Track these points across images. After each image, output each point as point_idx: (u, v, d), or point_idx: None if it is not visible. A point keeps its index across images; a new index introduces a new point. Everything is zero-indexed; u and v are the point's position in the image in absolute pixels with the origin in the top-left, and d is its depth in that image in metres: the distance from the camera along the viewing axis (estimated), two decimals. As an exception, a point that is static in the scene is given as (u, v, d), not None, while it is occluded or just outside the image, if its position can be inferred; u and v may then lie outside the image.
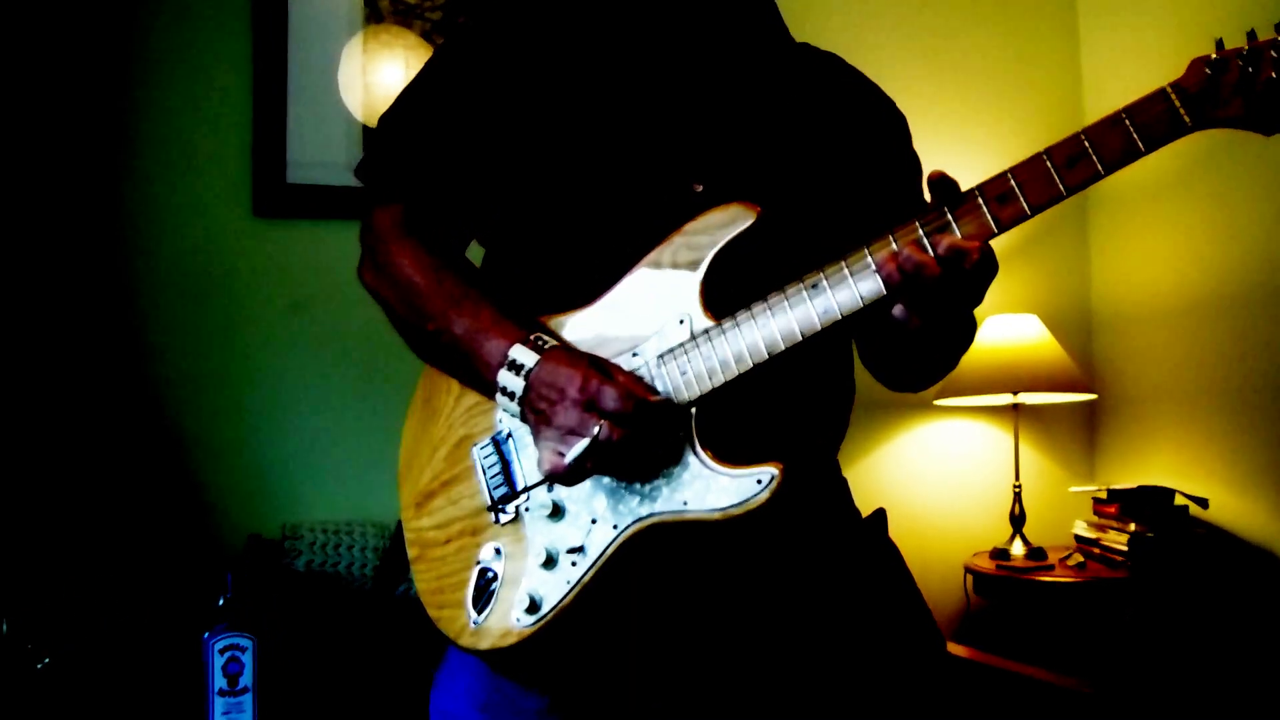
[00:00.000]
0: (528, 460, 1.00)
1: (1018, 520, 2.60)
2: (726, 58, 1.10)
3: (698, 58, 1.09)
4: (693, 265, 0.97)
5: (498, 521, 1.01)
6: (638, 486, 0.94)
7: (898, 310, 0.93)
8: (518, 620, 0.96)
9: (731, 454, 0.94)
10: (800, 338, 0.93)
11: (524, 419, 0.97)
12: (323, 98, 2.50)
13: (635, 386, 0.94)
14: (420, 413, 1.11)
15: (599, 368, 0.94)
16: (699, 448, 0.94)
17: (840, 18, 2.80)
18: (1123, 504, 2.44)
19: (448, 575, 1.02)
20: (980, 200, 0.91)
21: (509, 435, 1.01)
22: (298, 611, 1.85)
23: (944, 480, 2.84)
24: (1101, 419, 2.94)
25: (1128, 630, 2.18)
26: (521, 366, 0.96)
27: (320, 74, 2.50)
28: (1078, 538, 2.60)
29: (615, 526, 0.95)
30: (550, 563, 0.96)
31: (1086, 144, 0.89)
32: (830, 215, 1.06)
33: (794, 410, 1.07)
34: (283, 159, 2.45)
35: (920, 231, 0.91)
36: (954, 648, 2.17)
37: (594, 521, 0.96)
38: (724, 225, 0.97)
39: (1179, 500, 2.42)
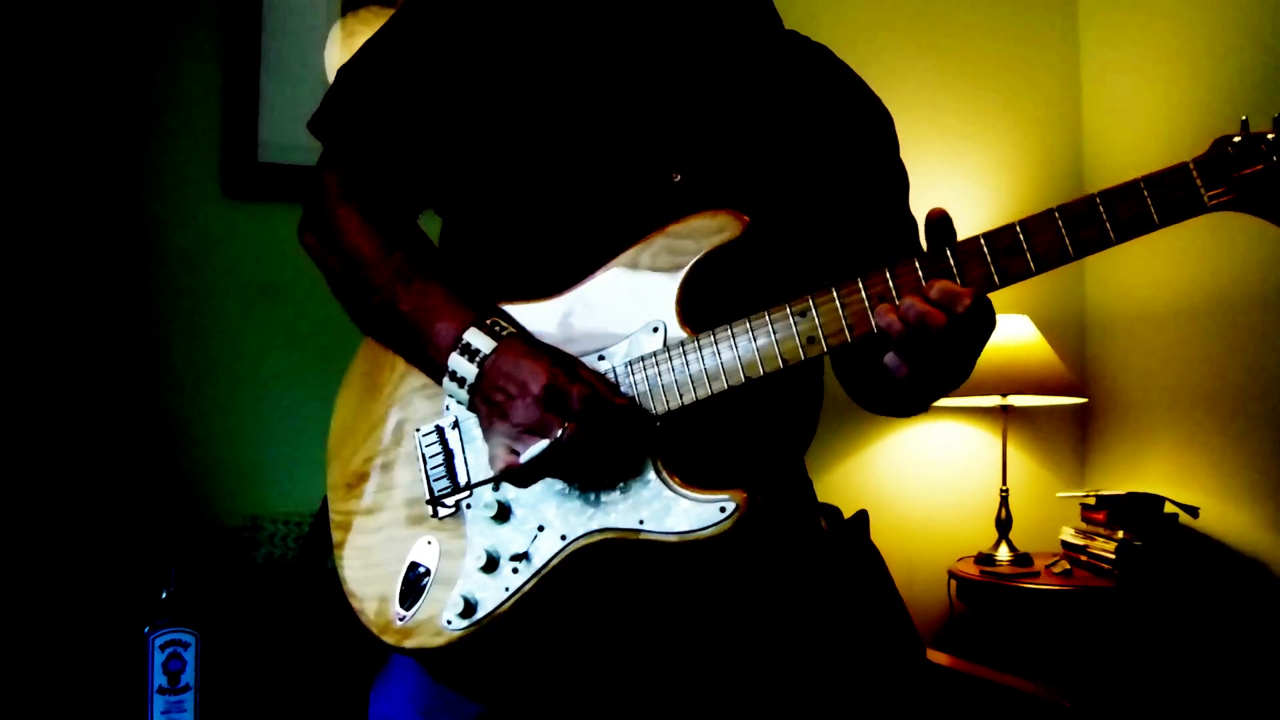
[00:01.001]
0: (474, 453, 0.93)
1: (1003, 525, 2.53)
2: (712, 42, 1.04)
3: (682, 41, 1.03)
4: (672, 270, 0.91)
5: (435, 515, 0.94)
6: (592, 497, 0.89)
7: (889, 358, 0.89)
8: (449, 623, 0.90)
9: (694, 462, 0.89)
10: (782, 365, 0.88)
11: (474, 409, 0.90)
12: (298, 75, 2.42)
13: (602, 387, 0.88)
14: (358, 386, 1.04)
15: (563, 364, 0.88)
16: (661, 466, 0.88)
17: (835, 7, 2.74)
18: (1111, 511, 2.38)
19: (375, 565, 0.96)
20: (986, 251, 0.85)
21: (455, 424, 0.95)
22: (247, 607, 1.77)
23: (929, 482, 2.78)
24: (1092, 424, 2.88)
25: (1114, 641, 2.12)
26: (476, 352, 0.89)
27: (296, 51, 2.42)
28: (1065, 544, 2.54)
29: (564, 537, 0.89)
30: (491, 566, 0.90)
31: (1101, 208, 0.83)
32: (813, 221, 1.01)
33: (762, 419, 1.01)
34: (254, 137, 2.37)
35: (920, 275, 0.85)
36: (934, 655, 2.11)
37: (541, 529, 0.90)
38: (709, 233, 0.91)
39: (1169, 508, 2.36)
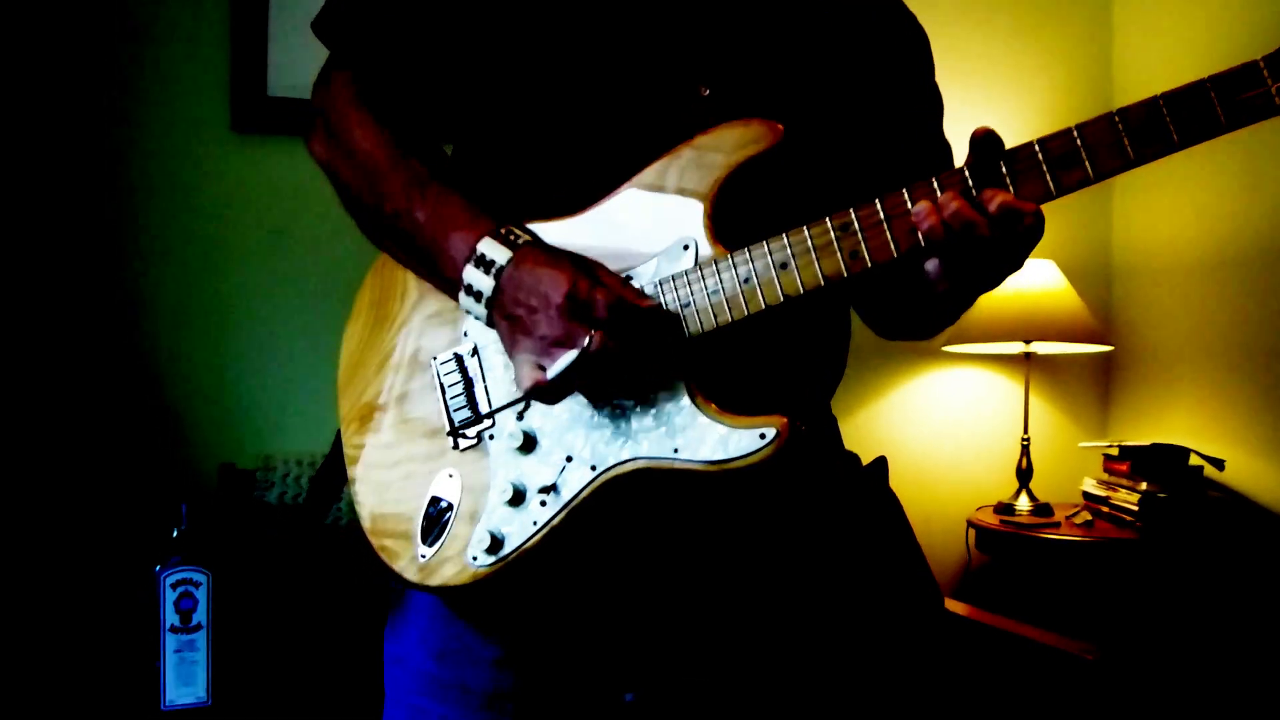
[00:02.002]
0: (495, 381, 0.89)
1: (1024, 475, 2.50)
2: None
3: None
4: (702, 185, 0.86)
5: (456, 448, 0.90)
6: (622, 425, 0.84)
7: (930, 266, 0.83)
8: (474, 559, 0.87)
9: (726, 394, 0.84)
10: (823, 283, 0.82)
11: (493, 324, 0.86)
12: (309, 6, 2.32)
13: (628, 292, 0.83)
14: (367, 316, 0.99)
15: (585, 269, 0.83)
16: (695, 391, 0.83)
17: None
18: (1135, 462, 2.34)
19: (394, 502, 0.92)
20: (1040, 158, 0.79)
21: (475, 350, 0.91)
22: (260, 546, 1.76)
23: (949, 430, 2.74)
24: (1116, 373, 2.82)
25: (1136, 593, 2.09)
26: (492, 263, 0.84)
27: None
28: (1086, 495, 2.51)
29: (594, 468, 0.85)
30: (517, 500, 0.86)
31: (1165, 111, 0.77)
32: (847, 139, 0.96)
33: (792, 354, 0.96)
34: (263, 70, 2.30)
35: (970, 183, 0.80)
36: (952, 604, 2.09)
37: (569, 459, 0.86)
38: (741, 144, 0.85)
39: (1194, 460, 2.31)
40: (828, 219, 0.82)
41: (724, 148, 0.85)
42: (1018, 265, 0.84)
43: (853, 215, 0.82)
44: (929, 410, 2.74)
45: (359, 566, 0.96)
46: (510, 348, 0.84)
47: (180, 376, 2.26)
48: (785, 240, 0.83)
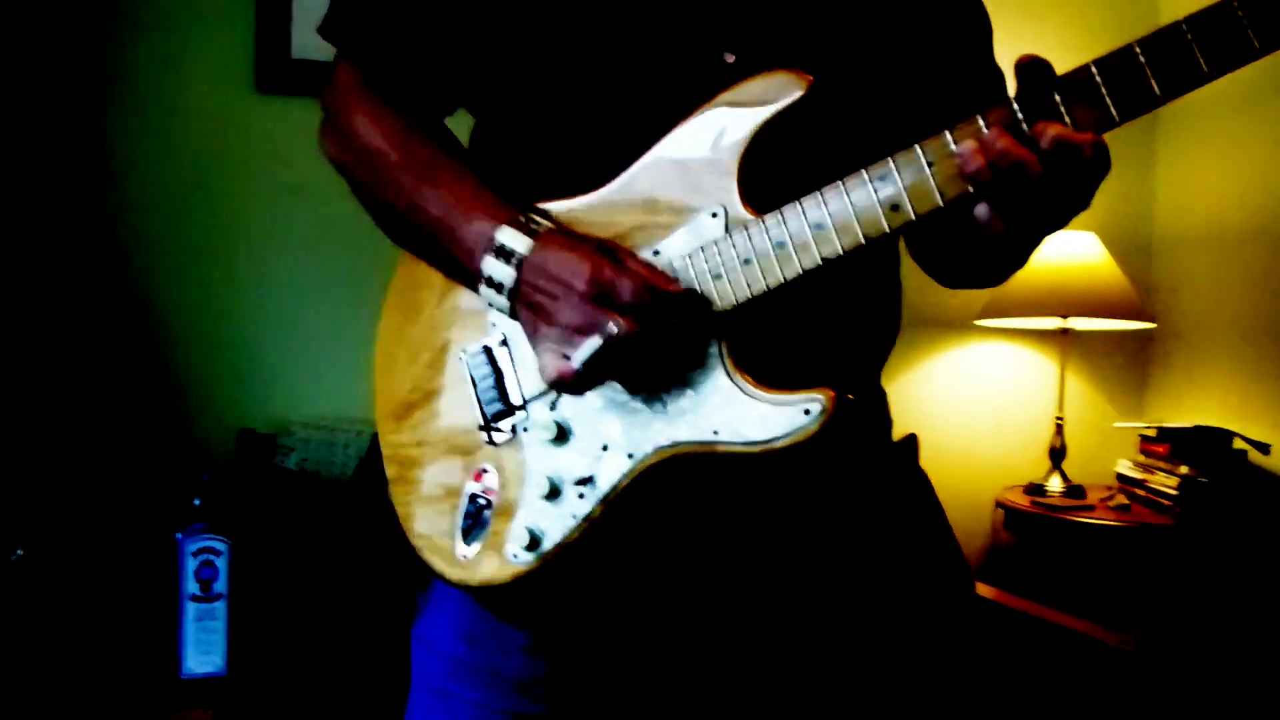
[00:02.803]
0: (525, 371, 0.86)
1: (1057, 455, 2.44)
2: None
3: None
4: (728, 147, 0.80)
5: (491, 442, 0.87)
6: (658, 408, 0.81)
7: (981, 211, 0.76)
8: (514, 556, 0.84)
9: (765, 375, 0.80)
10: (862, 241, 0.77)
11: (516, 316, 0.83)
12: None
13: (653, 275, 0.79)
14: (398, 307, 0.96)
15: (608, 253, 0.80)
16: (732, 367, 0.79)
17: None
18: (1175, 444, 2.28)
19: (433, 500, 0.90)
20: (1099, 80, 0.72)
21: (504, 341, 0.87)
22: (282, 513, 1.73)
23: (979, 407, 2.68)
24: (1155, 351, 2.74)
25: (1173, 581, 2.04)
26: (511, 253, 0.81)
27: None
28: (1120, 477, 2.45)
29: (631, 455, 0.81)
30: (554, 494, 0.83)
31: (1239, 11, 0.69)
32: (883, 89, 0.90)
33: (837, 319, 0.92)
34: (287, 31, 2.27)
35: (1019, 117, 0.73)
36: (980, 588, 2.04)
37: (605, 448, 0.82)
38: (767, 98, 0.79)
39: (1237, 444, 2.24)
40: (864, 171, 0.76)
41: (749, 104, 0.79)
42: (1084, 203, 0.77)
43: (891, 165, 0.76)
44: (960, 385, 2.68)
45: (390, 548, 0.93)
46: (533, 338, 0.81)
47: (199, 339, 2.24)
48: (820, 198, 0.77)
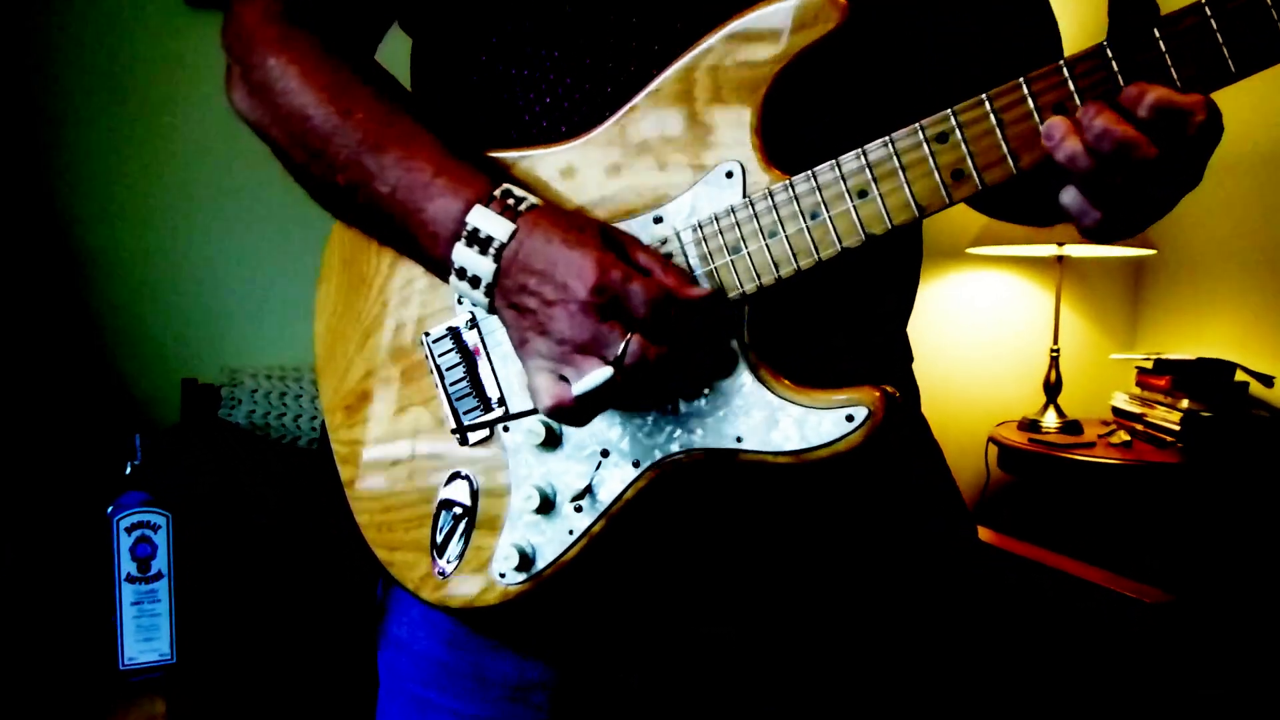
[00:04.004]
0: (503, 359, 0.71)
1: (1052, 389, 2.35)
2: None
3: None
4: (747, 88, 0.65)
5: (466, 442, 0.73)
6: (669, 410, 0.67)
7: (1070, 199, 0.63)
8: (502, 576, 0.72)
9: (788, 361, 0.66)
10: (917, 215, 0.62)
11: (494, 312, 0.67)
12: None
13: (671, 277, 0.64)
14: (340, 277, 0.80)
15: (616, 249, 0.64)
16: (756, 362, 0.66)
17: None
18: (1176, 377, 2.18)
19: (398, 509, 0.76)
20: (1212, 20, 0.57)
21: (473, 322, 0.72)
22: (229, 478, 1.57)
23: (971, 338, 2.57)
24: (1152, 279, 2.64)
25: (1179, 522, 1.95)
26: (488, 240, 0.64)
27: None
28: (1116, 411, 2.36)
29: (636, 464, 0.68)
30: (546, 507, 0.70)
31: None
32: (937, 43, 0.75)
33: (873, 290, 0.78)
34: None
35: (1115, 68, 0.58)
36: (979, 531, 1.95)
37: (605, 454, 0.68)
38: (794, 25, 0.63)
39: (1239, 376, 2.15)
40: (918, 126, 0.62)
41: (773, 34, 0.63)
42: (1196, 179, 0.64)
43: (952, 120, 0.61)
44: (951, 316, 2.57)
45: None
46: (520, 347, 0.66)
47: (136, 283, 2.08)
48: (863, 159, 0.62)
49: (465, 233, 0.65)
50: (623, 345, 0.61)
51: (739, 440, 0.65)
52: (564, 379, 0.63)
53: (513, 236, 0.64)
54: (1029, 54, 0.67)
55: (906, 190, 0.62)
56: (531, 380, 0.65)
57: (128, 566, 1.31)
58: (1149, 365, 2.30)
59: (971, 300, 2.58)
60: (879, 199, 0.62)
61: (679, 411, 0.66)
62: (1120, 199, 0.61)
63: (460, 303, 0.73)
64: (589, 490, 0.68)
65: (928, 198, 0.62)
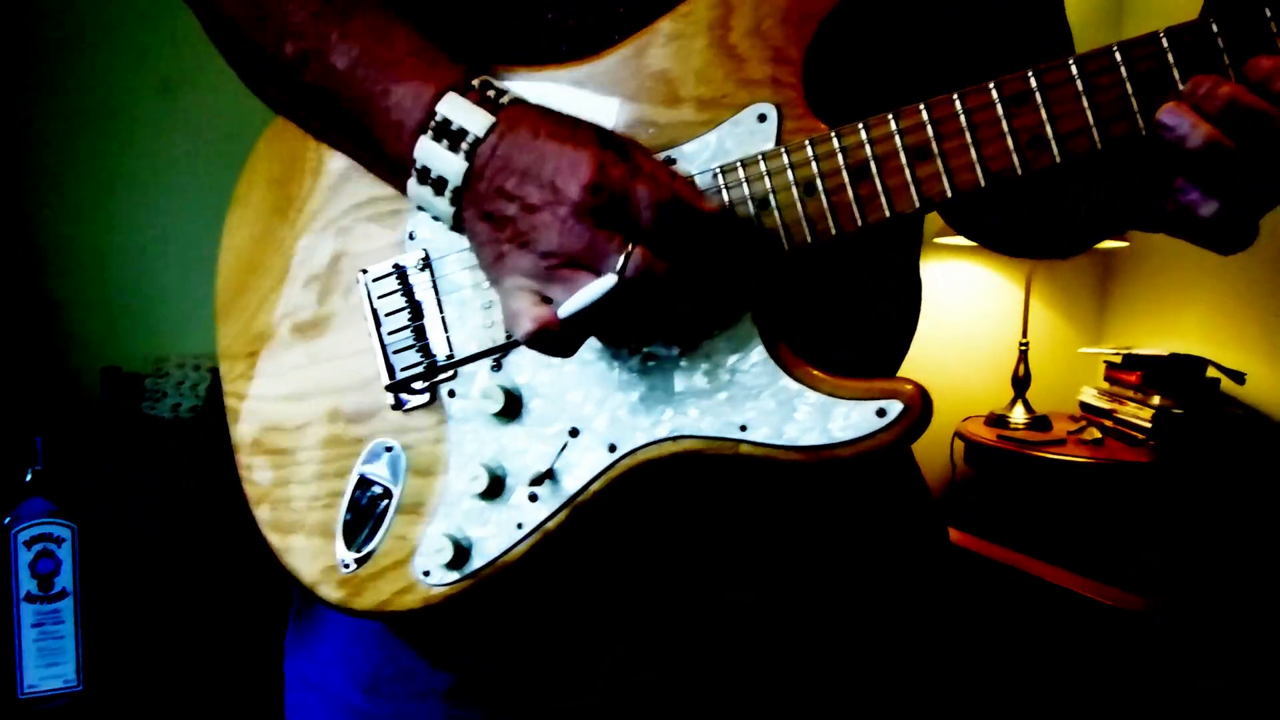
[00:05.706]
0: (457, 308, 0.62)
1: (1020, 384, 2.30)
2: None
3: None
4: (794, 20, 0.56)
5: (400, 405, 0.63)
6: (660, 383, 0.59)
7: (1192, 195, 0.56)
8: (425, 574, 0.62)
9: (803, 343, 0.58)
10: (982, 184, 0.55)
11: (463, 228, 0.56)
12: None
13: (681, 185, 0.54)
14: (262, 199, 0.69)
15: (611, 144, 0.54)
16: (777, 339, 0.57)
17: None
18: (1147, 373, 2.13)
19: (301, 483, 0.66)
20: None
21: (425, 262, 0.63)
22: (144, 484, 1.44)
23: (937, 331, 2.50)
24: (1122, 271, 2.60)
25: (1149, 521, 1.90)
26: (462, 133, 0.54)
27: None
28: (1084, 406, 2.32)
29: (613, 448, 0.59)
30: (493, 490, 0.60)
31: None
32: (935, 27, 0.69)
33: (884, 275, 0.73)
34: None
35: (1220, 44, 0.53)
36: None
37: (574, 433, 0.59)
38: None
39: (1210, 372, 2.11)
40: (991, 85, 0.54)
41: None
42: None
43: (1032, 80, 0.54)
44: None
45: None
46: (494, 265, 0.55)
47: (56, 262, 1.95)
48: (924, 114, 0.54)
49: (434, 124, 0.54)
50: (623, 256, 0.50)
51: (743, 429, 0.56)
52: (547, 299, 0.53)
53: (490, 131, 0.53)
54: (1033, 49, 0.61)
55: (973, 153, 0.55)
56: (506, 303, 0.54)
57: (27, 584, 1.19)
58: (1118, 360, 2.25)
59: (939, 291, 2.51)
60: (939, 161, 0.55)
61: (674, 387, 0.57)
62: (1245, 185, 0.54)
63: (413, 236, 0.62)
64: (550, 474, 0.59)
65: (1000, 166, 0.54)
